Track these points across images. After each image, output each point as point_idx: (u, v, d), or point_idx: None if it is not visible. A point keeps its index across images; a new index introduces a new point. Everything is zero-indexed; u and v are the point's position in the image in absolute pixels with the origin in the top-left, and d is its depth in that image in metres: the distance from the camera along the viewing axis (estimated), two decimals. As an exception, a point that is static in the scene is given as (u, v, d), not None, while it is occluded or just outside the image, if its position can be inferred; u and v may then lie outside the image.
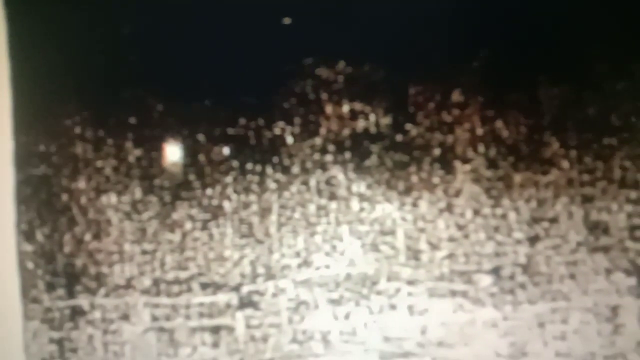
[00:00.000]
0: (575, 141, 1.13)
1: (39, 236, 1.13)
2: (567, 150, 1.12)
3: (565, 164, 1.12)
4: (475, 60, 1.15)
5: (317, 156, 1.13)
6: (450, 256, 1.13)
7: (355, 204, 1.13)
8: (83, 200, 1.13)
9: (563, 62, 1.14)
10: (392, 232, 1.12)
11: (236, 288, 1.12)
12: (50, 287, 1.12)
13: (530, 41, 1.14)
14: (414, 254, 1.12)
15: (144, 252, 1.12)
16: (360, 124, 1.14)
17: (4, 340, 1.10)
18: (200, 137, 1.13)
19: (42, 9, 1.14)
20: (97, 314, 1.11)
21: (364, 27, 1.14)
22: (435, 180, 1.13)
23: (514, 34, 1.14)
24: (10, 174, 1.13)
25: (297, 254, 1.12)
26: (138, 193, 1.13)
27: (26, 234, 1.12)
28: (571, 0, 1.14)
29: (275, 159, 1.12)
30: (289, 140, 1.13)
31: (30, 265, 1.13)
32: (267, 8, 1.13)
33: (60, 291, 1.12)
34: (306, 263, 1.12)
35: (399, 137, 1.13)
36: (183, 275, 1.12)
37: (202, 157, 1.13)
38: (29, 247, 1.13)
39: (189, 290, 1.12)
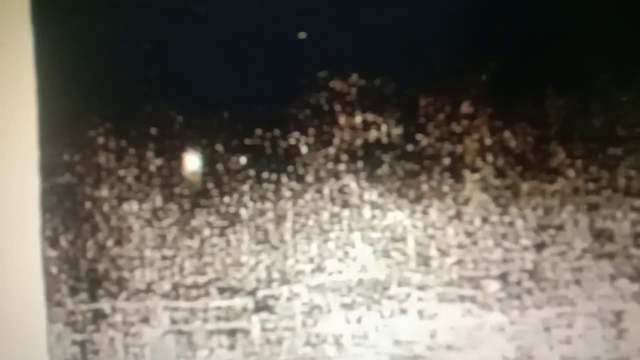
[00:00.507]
0: (581, 151, 1.12)
1: (63, 242, 1.12)
2: (573, 159, 1.12)
3: (571, 173, 1.12)
4: (484, 73, 1.13)
5: (330, 165, 1.12)
6: (459, 262, 1.11)
7: (367, 212, 1.12)
8: (106, 207, 1.12)
9: (569, 74, 1.13)
10: (402, 239, 1.12)
11: (252, 292, 1.11)
12: (74, 291, 1.12)
13: (537, 54, 1.13)
14: (424, 260, 1.11)
15: (164, 258, 1.12)
16: (373, 135, 1.12)
17: (28, 342, 1.10)
18: (219, 147, 1.12)
19: (67, 27, 1.14)
20: (118, 317, 1.11)
21: (375, 41, 1.13)
22: (445, 188, 1.12)
23: (521, 47, 1.13)
24: (36, 183, 1.12)
25: (311, 260, 1.12)
26: (158, 201, 1.12)
27: (51, 240, 1.12)
28: (576, 14, 1.13)
29: (290, 168, 1.12)
30: (304, 150, 1.12)
31: (54, 270, 1.12)
32: (284, 23, 1.13)
33: (83, 295, 1.12)
34: (320, 269, 1.12)
35: (409, 147, 1.12)
36: (201, 280, 1.11)
37: (220, 167, 1.12)
38: (53, 253, 1.12)
39: (207, 294, 1.11)
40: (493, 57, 1.13)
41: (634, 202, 1.11)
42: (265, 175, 1.12)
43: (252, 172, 1.12)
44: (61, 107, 1.13)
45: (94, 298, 1.11)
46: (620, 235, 1.11)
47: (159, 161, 1.13)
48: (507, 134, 1.12)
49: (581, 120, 1.12)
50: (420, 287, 1.11)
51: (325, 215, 1.12)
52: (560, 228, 1.11)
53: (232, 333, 1.10)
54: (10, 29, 1.13)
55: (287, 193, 1.12)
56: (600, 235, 1.11)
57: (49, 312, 1.11)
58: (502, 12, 1.13)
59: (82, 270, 1.12)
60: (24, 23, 1.13)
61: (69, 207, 1.12)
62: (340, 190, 1.12)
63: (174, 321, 1.11)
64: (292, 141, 1.12)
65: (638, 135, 1.12)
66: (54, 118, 1.13)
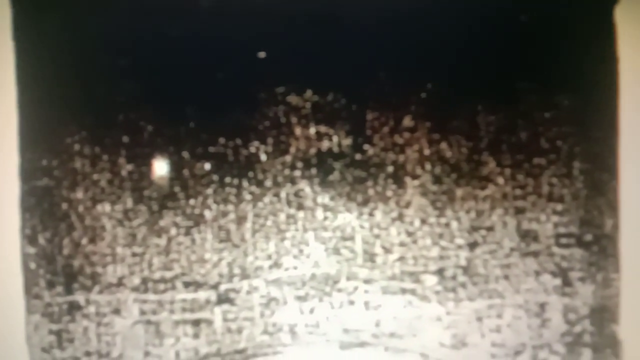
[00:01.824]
0: (509, 161, 1.14)
1: (41, 240, 1.12)
2: (502, 168, 1.14)
3: (500, 180, 1.14)
4: (423, 92, 1.14)
5: (287, 172, 1.13)
6: (401, 259, 1.13)
7: (320, 214, 1.13)
8: (81, 208, 1.12)
9: (498, 94, 1.15)
10: (351, 238, 1.13)
11: (215, 286, 1.12)
12: (50, 285, 1.11)
13: (470, 76, 1.15)
14: (370, 257, 1.13)
15: (134, 255, 1.12)
16: (325, 144, 1.13)
17: (8, 331, 1.11)
18: (185, 154, 1.13)
19: (47, 43, 1.13)
20: (92, 309, 1.11)
21: (328, 62, 1.14)
22: (389, 193, 1.14)
23: (456, 70, 1.15)
24: (16, 185, 1.12)
25: (269, 257, 1.13)
26: (129, 203, 1.12)
27: (29, 238, 1.12)
28: (505, 44, 1.15)
29: (250, 174, 1.13)
30: (263, 157, 1.13)
31: (32, 265, 1.12)
32: (246, 44, 1.14)
33: (59, 288, 1.11)
34: (276, 265, 1.13)
35: (358, 156, 1.13)
36: (168, 274, 1.12)
37: (186, 172, 1.13)
38: (31, 250, 1.12)
39: (174, 288, 1.12)
40: (431, 78, 1.14)
41: (556, 206, 1.14)
42: (227, 180, 1.13)
43: (215, 177, 1.12)
44: (40, 116, 1.13)
45: (69, 291, 1.11)
46: (544, 235, 1.14)
47: (130, 167, 1.12)
48: (443, 145, 1.14)
49: (509, 134, 1.15)
50: (367, 281, 1.13)
51: (282, 217, 1.13)
52: (490, 229, 1.13)
53: (196, 323, 1.11)
54: None
55: (247, 196, 1.13)
56: (526, 236, 1.14)
57: (28, 304, 1.11)
58: (439, 40, 1.15)
59: (59, 265, 1.11)
60: (6, 39, 1.12)
61: (47, 208, 1.12)
62: (296, 194, 1.13)
63: (143, 312, 1.11)
64: (252, 149, 1.13)
65: (559, 147, 1.15)
66: (33, 126, 1.13)
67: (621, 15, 1.15)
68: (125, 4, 1.14)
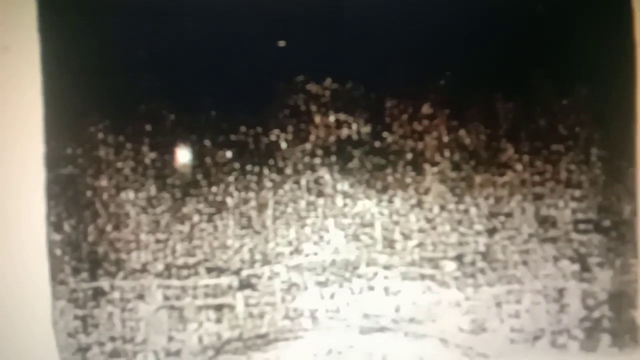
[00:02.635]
0: (528, 148, 1.15)
1: (66, 227, 1.13)
2: (520, 155, 1.15)
3: (519, 167, 1.15)
4: (442, 79, 1.15)
5: (307, 159, 1.14)
6: (420, 245, 1.14)
7: (339, 200, 1.14)
8: (105, 196, 1.13)
9: (516, 81, 1.15)
10: (370, 225, 1.14)
11: (237, 272, 1.13)
12: (76, 271, 1.12)
13: (489, 64, 1.16)
14: (389, 243, 1.14)
15: (158, 241, 1.13)
16: (344, 132, 1.14)
17: (35, 317, 1.11)
18: (207, 143, 1.13)
19: (71, 35, 1.13)
20: (116, 294, 1.12)
21: (347, 51, 1.15)
22: (408, 180, 1.14)
23: (474, 58, 1.15)
24: (42, 174, 1.13)
25: (290, 243, 1.14)
26: (153, 190, 1.13)
27: (55, 225, 1.12)
28: (522, 34, 1.16)
29: (271, 162, 1.14)
30: (283, 145, 1.14)
31: (58, 252, 1.12)
32: (265, 33, 1.14)
33: (84, 274, 1.12)
34: (297, 251, 1.14)
35: (377, 144, 1.14)
36: (191, 261, 1.13)
37: (208, 160, 1.13)
38: (57, 237, 1.12)
39: (196, 273, 1.13)
40: (450, 66, 1.15)
41: (574, 192, 1.15)
42: (248, 167, 1.14)
43: (236, 165, 1.13)
44: (65, 106, 1.13)
45: (94, 277, 1.12)
46: (562, 221, 1.15)
47: (153, 155, 1.13)
48: (462, 132, 1.15)
49: (527, 121, 1.15)
50: (386, 267, 1.14)
51: (302, 204, 1.14)
52: (509, 215, 1.14)
53: (219, 308, 1.13)
54: (18, 36, 1.13)
55: (268, 184, 1.14)
56: (545, 222, 1.14)
57: (54, 290, 1.12)
58: (458, 29, 1.15)
59: (84, 252, 1.12)
60: (31, 30, 1.13)
61: (72, 196, 1.13)
62: (316, 182, 1.14)
63: (166, 298, 1.12)
64: (273, 138, 1.14)
65: (577, 134, 1.15)
66: (58, 116, 1.13)
67: (639, 1, 1.16)
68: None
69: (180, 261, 1.14)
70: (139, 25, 1.15)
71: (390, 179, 1.15)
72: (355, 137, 1.15)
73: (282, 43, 1.15)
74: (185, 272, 1.14)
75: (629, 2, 1.16)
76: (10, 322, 1.11)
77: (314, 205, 1.15)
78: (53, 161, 1.14)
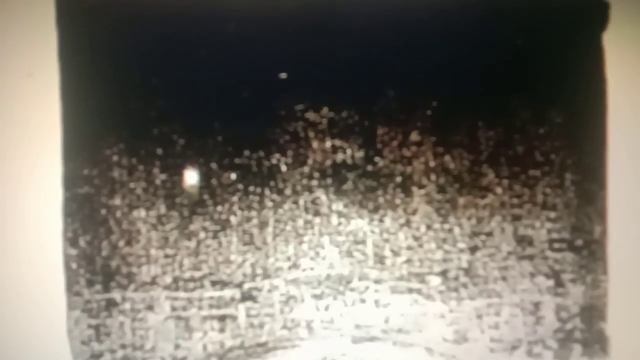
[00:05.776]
0: (507, 172, 1.17)
1: (82, 242, 1.14)
2: (500, 179, 1.17)
3: (499, 190, 1.17)
4: (429, 109, 1.17)
5: (305, 181, 1.16)
6: (408, 261, 1.15)
7: (334, 219, 1.16)
8: (118, 214, 1.15)
9: (497, 111, 1.17)
10: (363, 242, 1.16)
11: (239, 285, 1.15)
12: (90, 283, 1.14)
13: (471, 95, 1.17)
14: (380, 259, 1.15)
15: (166, 256, 1.14)
16: (340, 157, 1.16)
17: (51, 326, 1.13)
18: (213, 165, 1.15)
19: (89, 62, 1.15)
20: (127, 305, 1.14)
21: (343, 82, 1.17)
22: (397, 201, 1.16)
23: (458, 89, 1.17)
24: (60, 193, 1.14)
25: (288, 259, 1.15)
26: (162, 209, 1.15)
27: (71, 241, 1.14)
28: (502, 65, 1.17)
29: (272, 183, 1.16)
30: (283, 168, 1.16)
31: (73, 265, 1.14)
32: (268, 66, 1.16)
33: (98, 286, 1.14)
34: (295, 266, 1.15)
35: (369, 167, 1.16)
36: (197, 274, 1.14)
37: (214, 181, 1.15)
38: (73, 251, 1.14)
39: (202, 286, 1.14)
40: (436, 97, 1.17)
41: (549, 214, 1.17)
42: (251, 188, 1.16)
43: (240, 186, 1.15)
44: (82, 129, 1.15)
45: (107, 289, 1.14)
46: (538, 240, 1.17)
47: (163, 176, 1.15)
48: (447, 158, 1.17)
49: (507, 148, 1.17)
50: (377, 281, 1.15)
51: (300, 222, 1.16)
52: (490, 234, 1.16)
53: (222, 319, 1.14)
54: (40, 62, 1.15)
55: (269, 203, 1.15)
56: (522, 241, 1.16)
57: (69, 300, 1.13)
58: (443, 62, 1.17)
59: (98, 265, 1.14)
60: (52, 59, 1.15)
61: (87, 213, 1.15)
62: (313, 202, 1.16)
63: (174, 308, 1.14)
64: (274, 161, 1.16)
65: (552, 160, 1.17)
66: (75, 139, 1.15)
67: (608, 40, 1.19)
68: (160, 29, 1.17)
69: (187, 275, 1.15)
70: (151, 56, 1.17)
71: (381, 200, 1.17)
72: (349, 161, 1.17)
73: (283, 75, 1.17)
74: (191, 284, 1.15)
75: (599, 41, 1.19)
76: (28, 330, 1.13)
77: (311, 223, 1.16)
78: (70, 181, 1.15)
